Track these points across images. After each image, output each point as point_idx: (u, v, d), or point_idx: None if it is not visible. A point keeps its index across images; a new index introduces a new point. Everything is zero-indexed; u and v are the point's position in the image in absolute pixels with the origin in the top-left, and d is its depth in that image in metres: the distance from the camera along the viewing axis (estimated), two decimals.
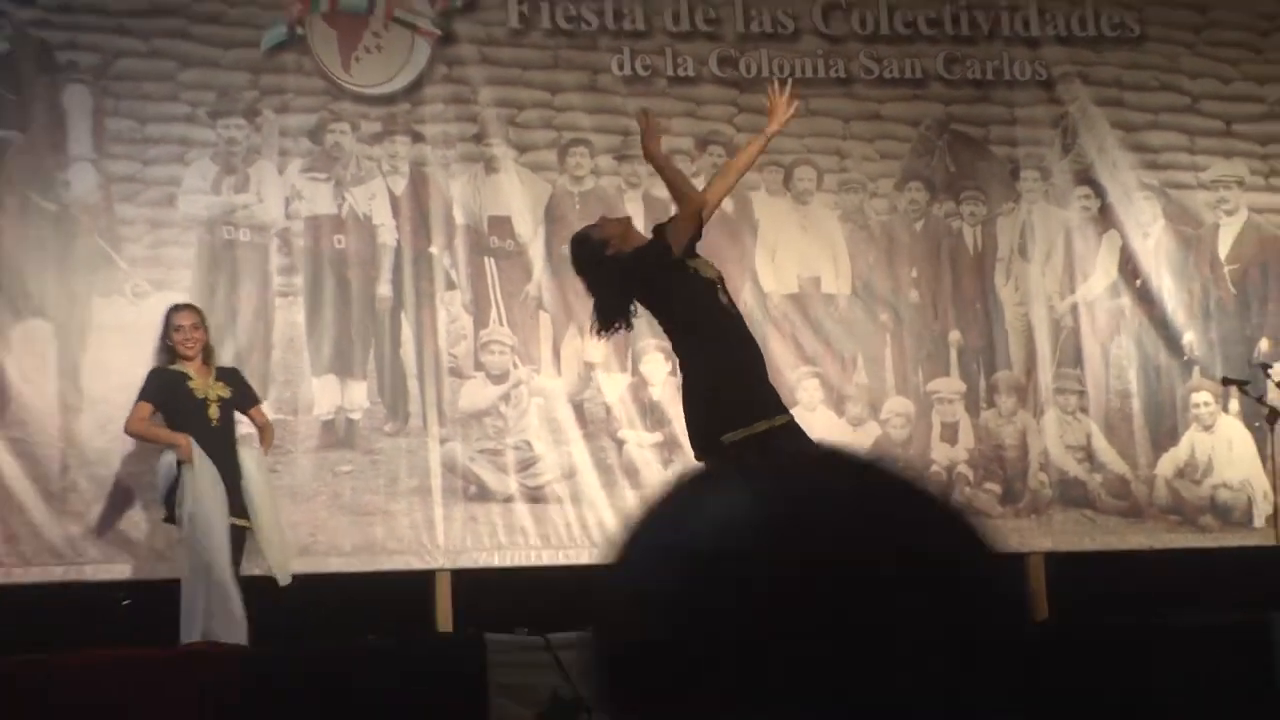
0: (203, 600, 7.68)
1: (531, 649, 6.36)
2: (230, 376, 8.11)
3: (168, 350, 7.93)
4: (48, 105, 8.66)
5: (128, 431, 7.96)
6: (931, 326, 9.37)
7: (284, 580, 7.97)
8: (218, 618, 7.69)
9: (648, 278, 6.59)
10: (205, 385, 7.92)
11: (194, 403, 7.84)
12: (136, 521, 8.56)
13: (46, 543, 8.38)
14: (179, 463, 7.70)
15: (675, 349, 6.84)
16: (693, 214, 6.54)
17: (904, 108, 9.56)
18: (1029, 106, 9.66)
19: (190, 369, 7.88)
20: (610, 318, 6.67)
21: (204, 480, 7.70)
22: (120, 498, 8.57)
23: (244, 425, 8.16)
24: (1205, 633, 6.84)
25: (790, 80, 7.46)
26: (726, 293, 6.78)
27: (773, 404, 6.72)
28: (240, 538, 7.92)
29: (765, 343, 8.97)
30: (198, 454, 7.70)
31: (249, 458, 7.95)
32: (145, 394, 7.84)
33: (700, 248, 6.79)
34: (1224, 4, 9.88)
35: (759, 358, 6.85)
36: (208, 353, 8.05)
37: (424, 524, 8.76)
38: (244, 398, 8.13)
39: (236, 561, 7.89)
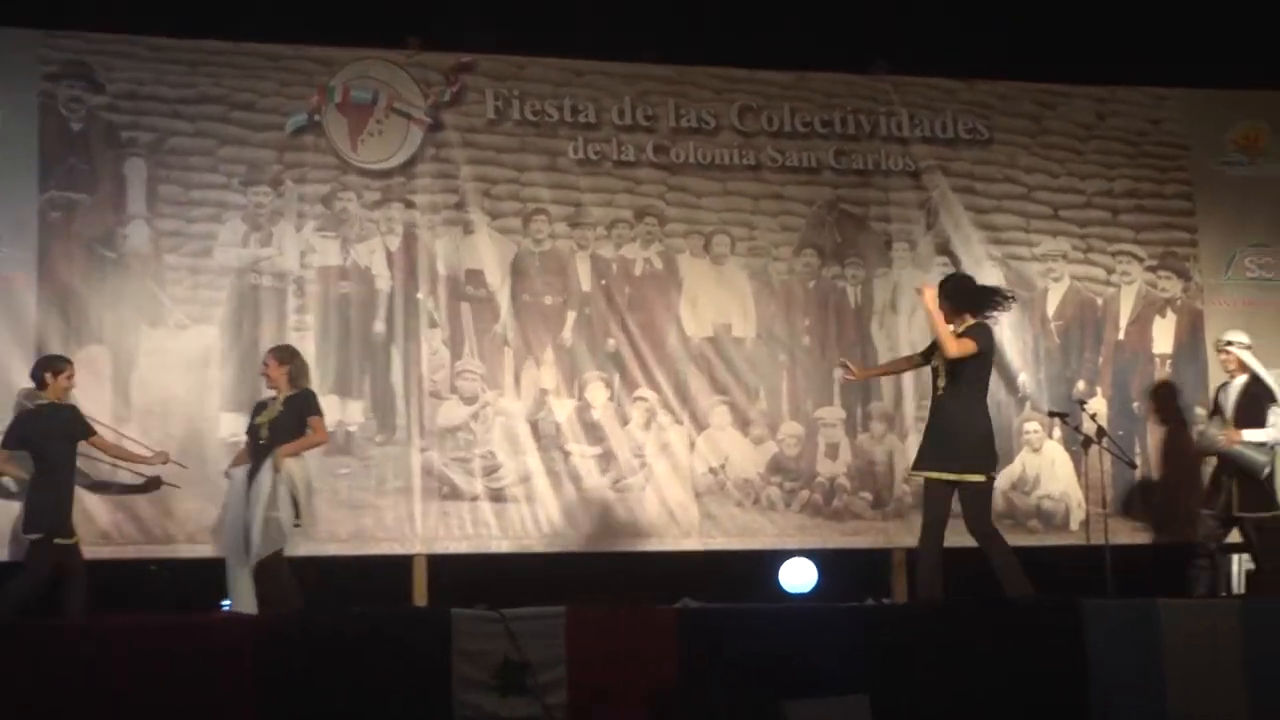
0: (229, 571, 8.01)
1: (489, 621, 6.39)
2: (291, 400, 8.26)
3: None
4: (112, 174, 9.03)
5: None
6: (820, 365, 9.74)
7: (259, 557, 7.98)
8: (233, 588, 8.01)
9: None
10: (267, 416, 8.26)
11: (254, 430, 8.32)
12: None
13: (98, 528, 8.58)
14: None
15: None
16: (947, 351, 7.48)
17: (802, 190, 9.95)
18: (900, 191, 10.08)
19: (277, 399, 8.27)
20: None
21: (236, 489, 8.23)
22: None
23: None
24: (1030, 611, 6.95)
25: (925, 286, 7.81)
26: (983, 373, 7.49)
27: (968, 463, 7.48)
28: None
29: (685, 377, 9.42)
30: (238, 475, 8.25)
31: (266, 467, 8.09)
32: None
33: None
34: (1054, 115, 10.27)
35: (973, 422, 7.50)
36: (293, 378, 8.26)
37: (405, 517, 9.13)
38: (300, 416, 8.24)
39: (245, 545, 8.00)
